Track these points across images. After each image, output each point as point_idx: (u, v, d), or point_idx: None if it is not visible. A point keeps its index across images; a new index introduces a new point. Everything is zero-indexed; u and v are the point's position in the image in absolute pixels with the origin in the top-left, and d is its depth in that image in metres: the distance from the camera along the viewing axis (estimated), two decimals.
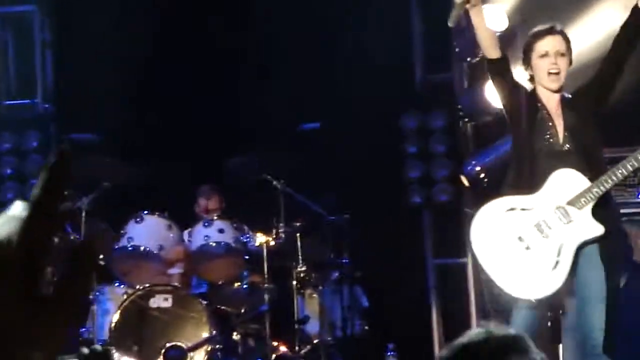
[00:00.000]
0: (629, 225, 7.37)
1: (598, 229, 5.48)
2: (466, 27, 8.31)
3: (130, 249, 7.64)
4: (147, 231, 7.72)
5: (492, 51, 5.70)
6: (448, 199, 8.94)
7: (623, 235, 6.63)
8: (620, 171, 5.46)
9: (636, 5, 5.53)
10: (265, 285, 7.64)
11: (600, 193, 5.48)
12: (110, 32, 9.02)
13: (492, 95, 7.76)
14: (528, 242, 5.51)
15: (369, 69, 8.79)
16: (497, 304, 5.71)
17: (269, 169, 7.89)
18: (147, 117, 9.24)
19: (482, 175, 8.23)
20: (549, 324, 6.59)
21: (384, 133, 8.95)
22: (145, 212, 7.76)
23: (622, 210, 7.24)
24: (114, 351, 7.10)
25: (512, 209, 5.58)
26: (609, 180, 5.47)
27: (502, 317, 5.67)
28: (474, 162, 8.42)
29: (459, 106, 8.84)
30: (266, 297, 7.61)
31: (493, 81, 5.84)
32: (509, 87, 5.73)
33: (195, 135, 9.24)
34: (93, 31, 9.05)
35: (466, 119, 8.50)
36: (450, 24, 5.77)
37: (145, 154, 8.67)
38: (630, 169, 5.48)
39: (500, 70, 5.75)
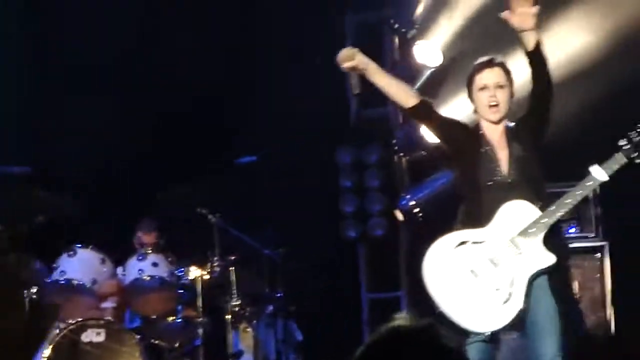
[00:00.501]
0: None
1: (550, 259, 5.49)
2: (400, 61, 8.43)
3: (62, 282, 7.55)
4: (80, 265, 7.63)
5: (406, 101, 5.69)
6: (383, 233, 8.97)
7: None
8: (569, 200, 5.50)
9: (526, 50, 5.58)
10: (199, 319, 7.59)
11: (551, 222, 5.51)
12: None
13: (426, 130, 7.84)
14: (480, 275, 5.50)
15: (305, 102, 8.80)
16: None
17: (204, 203, 7.86)
18: (81, 150, 9.13)
19: (417, 210, 8.28)
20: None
21: (319, 167, 8.97)
22: (79, 245, 7.68)
23: None
24: None
25: (463, 243, 5.58)
26: (559, 210, 5.51)
27: None
28: (408, 197, 8.47)
29: (394, 141, 8.89)
30: (200, 331, 7.57)
31: (422, 124, 5.87)
32: (439, 126, 5.75)
33: (129, 168, 9.16)
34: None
35: (401, 154, 8.55)
36: (355, 92, 5.75)
37: (79, 187, 8.58)
38: (579, 198, 5.52)
39: (421, 115, 5.77)
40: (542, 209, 5.53)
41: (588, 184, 5.52)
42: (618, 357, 7.34)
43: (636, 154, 5.52)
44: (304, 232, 8.68)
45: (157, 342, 7.75)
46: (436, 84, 6.01)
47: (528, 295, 5.48)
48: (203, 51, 9.28)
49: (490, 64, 5.73)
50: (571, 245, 7.56)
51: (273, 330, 8.10)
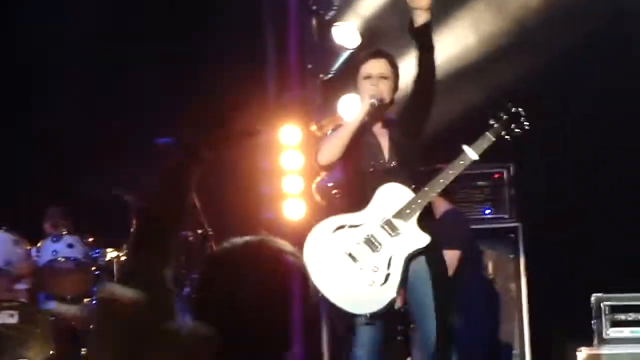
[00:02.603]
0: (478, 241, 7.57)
1: (424, 239, 5.60)
2: (318, 44, 8.44)
3: None
4: None
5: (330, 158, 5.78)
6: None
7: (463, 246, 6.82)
8: (442, 180, 5.62)
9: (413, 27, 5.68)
10: None
11: (424, 203, 5.61)
12: None
13: (344, 110, 7.87)
14: (358, 258, 5.58)
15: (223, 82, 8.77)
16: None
17: (121, 185, 7.78)
18: None
19: (335, 190, 8.30)
20: (399, 337, 6.71)
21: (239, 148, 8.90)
22: None
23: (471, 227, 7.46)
24: None
25: (340, 227, 5.65)
26: (433, 190, 5.62)
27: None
28: (326, 178, 8.48)
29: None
30: None
31: None
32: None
33: (44, 150, 9.02)
34: None
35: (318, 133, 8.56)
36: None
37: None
38: (451, 177, 5.64)
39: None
40: (416, 191, 5.65)
41: (460, 162, 5.67)
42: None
43: (504, 132, 5.72)
44: (223, 213, 8.61)
45: (72, 323, 7.67)
46: (353, 67, 6.07)
47: (405, 275, 5.56)
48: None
49: (376, 54, 5.88)
50: (486, 227, 7.70)
51: (190, 312, 8.05)
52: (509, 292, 7.65)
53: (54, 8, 8.85)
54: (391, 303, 5.54)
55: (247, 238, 2.65)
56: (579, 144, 8.01)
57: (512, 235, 7.68)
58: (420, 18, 5.64)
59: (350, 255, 5.59)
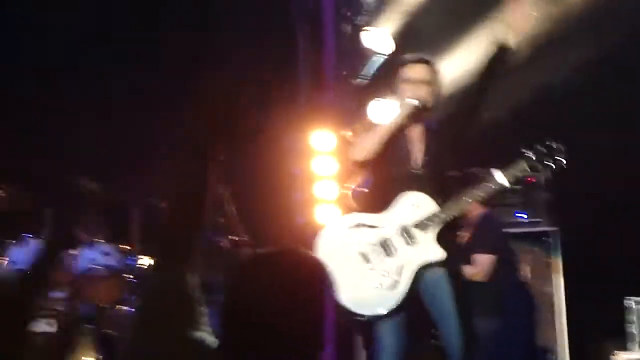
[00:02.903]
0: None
1: (439, 254, 5.56)
2: (351, 49, 8.44)
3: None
4: (30, 255, 7.54)
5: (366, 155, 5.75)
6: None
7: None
8: (468, 199, 5.57)
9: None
10: None
11: (447, 219, 5.57)
12: None
13: (376, 115, 7.86)
14: (370, 259, 5.57)
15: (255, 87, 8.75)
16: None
17: (157, 192, 7.80)
18: (28, 141, 8.99)
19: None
20: (434, 341, 6.71)
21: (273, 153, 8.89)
22: (29, 235, 7.59)
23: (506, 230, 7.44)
24: None
25: (358, 225, 5.64)
26: (457, 208, 5.58)
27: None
28: (362, 185, 8.48)
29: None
30: None
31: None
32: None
33: (78, 157, 9.01)
34: None
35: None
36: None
37: (26, 177, 8.44)
38: (478, 199, 5.62)
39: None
40: (442, 205, 5.61)
41: (489, 186, 5.61)
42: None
43: (538, 165, 5.65)
44: (257, 220, 8.61)
45: (109, 331, 7.68)
46: (389, 72, 6.06)
47: (413, 285, 5.54)
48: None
49: (417, 59, 5.80)
50: (522, 231, 7.68)
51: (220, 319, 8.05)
52: (545, 295, 7.63)
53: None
54: (392, 310, 5.53)
55: (270, 249, 2.70)
56: (614, 147, 7.98)
57: (548, 238, 7.65)
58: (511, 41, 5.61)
59: (362, 254, 5.58)
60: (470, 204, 5.69)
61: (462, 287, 5.68)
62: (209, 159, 2.86)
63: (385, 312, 5.52)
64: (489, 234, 7.02)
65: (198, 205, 2.86)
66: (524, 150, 5.65)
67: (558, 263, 7.58)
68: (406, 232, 5.56)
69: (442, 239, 5.59)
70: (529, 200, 7.79)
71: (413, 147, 5.73)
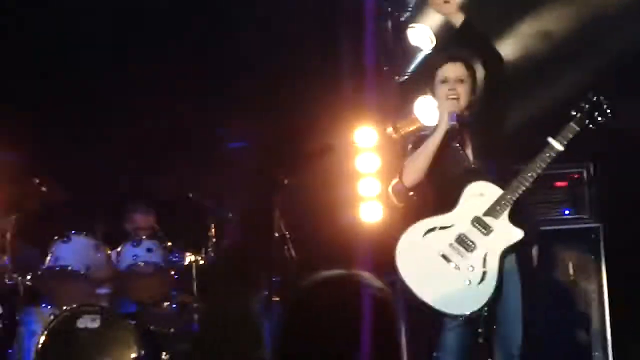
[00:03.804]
0: (553, 243, 7.49)
1: (518, 234, 5.61)
2: (394, 45, 8.41)
3: (57, 269, 7.54)
4: (74, 251, 7.62)
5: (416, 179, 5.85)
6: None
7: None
8: (529, 174, 5.59)
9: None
10: (195, 304, 7.58)
11: (514, 199, 5.59)
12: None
13: (420, 112, 7.83)
14: (452, 259, 5.59)
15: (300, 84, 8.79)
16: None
17: (199, 188, 7.85)
18: (72, 135, 9.05)
19: (412, 192, 8.26)
20: (481, 340, 6.66)
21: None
22: (73, 232, 7.67)
23: (548, 228, 7.38)
24: None
25: (431, 230, 5.67)
26: (521, 185, 5.60)
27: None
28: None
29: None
30: (196, 316, 7.55)
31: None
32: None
33: (120, 155, 9.06)
34: None
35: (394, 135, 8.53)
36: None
37: (70, 174, 8.51)
38: (539, 170, 5.61)
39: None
40: (504, 187, 5.63)
41: (547, 154, 5.62)
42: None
43: (587, 122, 5.67)
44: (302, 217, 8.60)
45: (152, 327, 7.74)
46: (427, 69, 6.10)
47: (501, 272, 5.54)
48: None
49: (453, 58, 5.89)
50: (566, 227, 7.60)
51: (269, 314, 8.08)
52: (590, 293, 7.55)
53: None
54: (490, 301, 5.51)
55: (328, 274, 2.59)
56: None
57: (593, 235, 7.56)
58: (457, 20, 5.80)
59: (444, 256, 5.60)
60: (533, 177, 5.66)
61: (532, 275, 5.71)
62: (275, 186, 2.82)
63: (482, 306, 5.52)
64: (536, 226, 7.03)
65: (268, 235, 2.83)
66: (571, 111, 5.67)
67: (602, 260, 7.48)
68: (479, 223, 5.60)
69: (515, 220, 5.61)
70: (574, 197, 7.69)
71: (461, 146, 5.79)
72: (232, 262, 6.71)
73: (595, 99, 5.70)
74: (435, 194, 5.86)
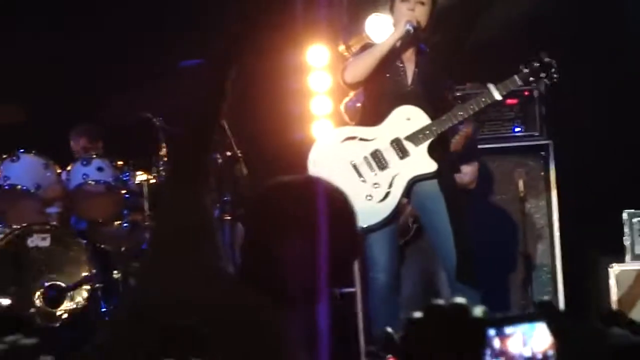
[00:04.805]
0: (503, 160, 7.54)
1: (431, 166, 5.66)
2: None
3: (6, 187, 7.48)
4: (24, 170, 7.56)
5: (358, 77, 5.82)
6: None
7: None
8: (460, 112, 5.65)
9: None
10: (146, 223, 7.56)
11: (439, 132, 5.63)
12: None
13: (371, 30, 7.78)
14: (362, 171, 5.66)
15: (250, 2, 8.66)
16: None
17: (149, 107, 7.78)
18: (21, 55, 8.92)
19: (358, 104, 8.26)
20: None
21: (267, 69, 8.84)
22: (21, 150, 7.60)
23: (498, 145, 7.42)
24: None
25: (351, 138, 5.71)
26: (449, 121, 5.63)
27: None
28: (354, 99, 8.42)
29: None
30: (147, 235, 7.54)
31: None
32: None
33: (70, 73, 8.96)
34: None
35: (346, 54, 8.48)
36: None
37: (19, 92, 8.40)
38: (470, 112, 5.67)
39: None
40: (434, 118, 5.69)
41: (483, 99, 5.72)
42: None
43: (532, 79, 5.82)
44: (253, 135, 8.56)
45: (103, 246, 7.73)
46: None
47: (403, 197, 5.59)
48: None
49: None
50: (516, 144, 7.64)
51: (221, 233, 8.08)
52: (539, 209, 7.61)
53: None
54: (384, 221, 5.55)
55: (292, 176, 2.66)
56: (610, 61, 7.89)
57: (543, 152, 7.61)
58: None
59: (354, 166, 5.66)
60: (463, 117, 5.71)
61: (457, 199, 5.73)
62: (226, 75, 2.81)
63: (375, 223, 5.56)
64: (476, 144, 7.08)
65: (213, 123, 2.82)
66: (520, 65, 5.74)
67: (552, 177, 7.53)
68: (398, 145, 5.63)
69: (434, 152, 5.63)
70: (525, 114, 7.71)
71: (406, 66, 5.75)
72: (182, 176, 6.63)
73: (546, 60, 5.75)
74: (367, 104, 5.88)
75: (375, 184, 5.63)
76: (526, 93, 7.70)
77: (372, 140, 5.68)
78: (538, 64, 5.76)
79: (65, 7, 9.01)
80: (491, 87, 5.68)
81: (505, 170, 7.56)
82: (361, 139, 5.72)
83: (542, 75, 5.78)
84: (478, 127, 7.26)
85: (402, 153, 5.65)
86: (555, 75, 5.81)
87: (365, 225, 5.57)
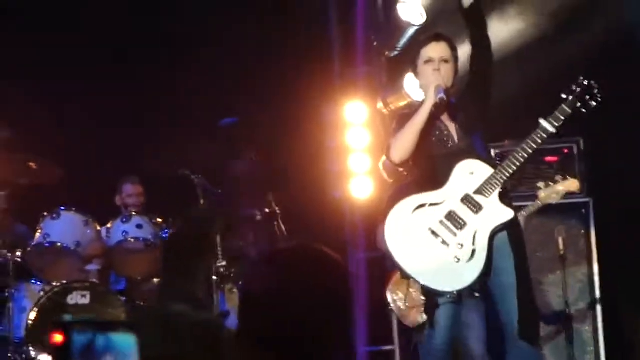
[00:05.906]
0: (543, 218, 7.49)
1: (508, 214, 5.62)
2: (384, 21, 8.38)
3: (46, 245, 7.53)
4: (64, 227, 7.61)
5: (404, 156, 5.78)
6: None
7: None
8: (520, 154, 5.60)
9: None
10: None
11: (505, 178, 5.60)
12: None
13: (410, 88, 7.81)
14: (442, 236, 5.59)
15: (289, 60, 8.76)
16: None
17: (187, 164, 7.84)
18: (62, 113, 9.01)
19: (402, 169, 8.26)
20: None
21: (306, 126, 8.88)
22: (62, 208, 7.66)
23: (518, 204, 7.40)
24: (31, 349, 7.02)
25: (421, 206, 5.66)
26: (512, 165, 5.60)
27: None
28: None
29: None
30: None
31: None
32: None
33: (111, 131, 9.03)
34: None
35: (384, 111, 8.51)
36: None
37: (61, 151, 8.48)
38: (530, 151, 5.62)
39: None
40: (494, 167, 5.66)
41: (537, 136, 5.63)
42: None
43: (579, 105, 5.69)
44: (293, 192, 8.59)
45: (142, 303, 7.74)
46: (415, 44, 6.11)
47: (490, 250, 5.54)
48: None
49: (437, 37, 5.86)
50: (557, 202, 7.58)
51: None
52: (580, 268, 7.55)
53: None
54: (479, 278, 5.52)
55: (294, 242, 2.64)
56: None
57: (583, 210, 7.56)
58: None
59: (433, 232, 5.59)
60: (524, 157, 5.66)
61: (524, 253, 5.71)
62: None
63: (473, 282, 5.53)
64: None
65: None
66: (562, 95, 5.68)
67: (592, 235, 7.48)
68: (469, 201, 5.61)
69: (505, 199, 5.63)
70: (563, 172, 7.67)
71: (447, 125, 5.79)
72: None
73: (587, 83, 5.71)
74: (423, 171, 5.84)
75: (459, 244, 5.56)
76: (565, 150, 7.68)
77: (442, 202, 5.64)
78: (580, 89, 5.68)
79: (105, 66, 9.09)
80: (543, 121, 5.61)
81: (545, 229, 7.51)
82: (431, 204, 5.66)
83: (587, 97, 5.69)
84: None
85: (476, 208, 5.59)
86: (599, 96, 5.69)
87: (460, 288, 5.54)
